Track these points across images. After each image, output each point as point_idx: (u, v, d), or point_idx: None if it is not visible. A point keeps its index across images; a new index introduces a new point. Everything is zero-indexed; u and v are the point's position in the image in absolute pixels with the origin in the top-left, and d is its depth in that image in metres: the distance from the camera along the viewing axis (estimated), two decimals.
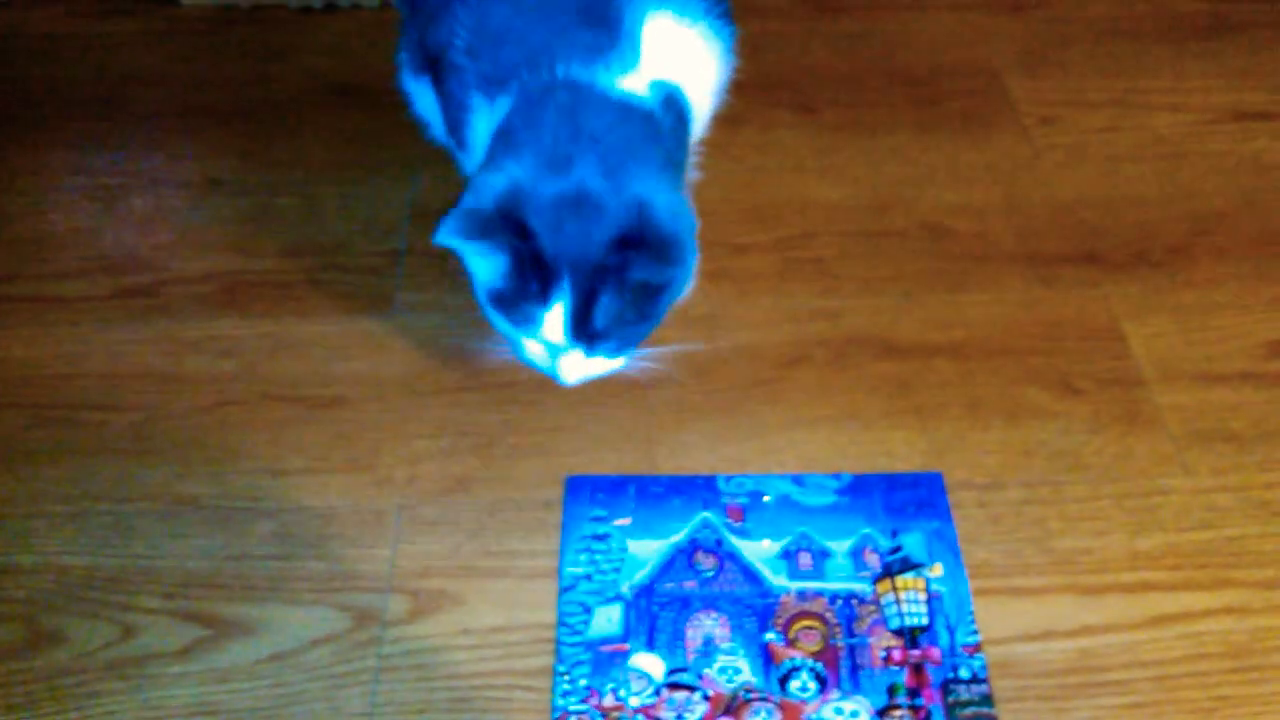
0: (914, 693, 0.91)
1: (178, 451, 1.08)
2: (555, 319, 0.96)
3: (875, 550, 1.00)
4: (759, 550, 1.00)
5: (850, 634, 0.95)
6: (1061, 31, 1.58)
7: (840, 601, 0.97)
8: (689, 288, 1.01)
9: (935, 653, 0.93)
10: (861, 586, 0.98)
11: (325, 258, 1.27)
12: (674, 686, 0.92)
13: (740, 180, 1.35)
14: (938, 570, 0.98)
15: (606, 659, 0.93)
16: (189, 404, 1.12)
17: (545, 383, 1.12)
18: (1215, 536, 1.01)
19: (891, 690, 0.91)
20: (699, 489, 1.04)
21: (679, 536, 1.01)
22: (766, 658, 0.93)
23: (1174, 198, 1.34)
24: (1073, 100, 1.47)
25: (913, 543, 1.00)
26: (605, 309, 0.95)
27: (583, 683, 0.92)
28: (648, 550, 1.00)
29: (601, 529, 1.01)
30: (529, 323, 0.97)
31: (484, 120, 1.01)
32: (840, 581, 0.98)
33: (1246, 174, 1.36)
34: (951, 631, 0.94)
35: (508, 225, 0.93)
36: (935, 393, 1.13)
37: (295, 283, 1.24)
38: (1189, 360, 1.15)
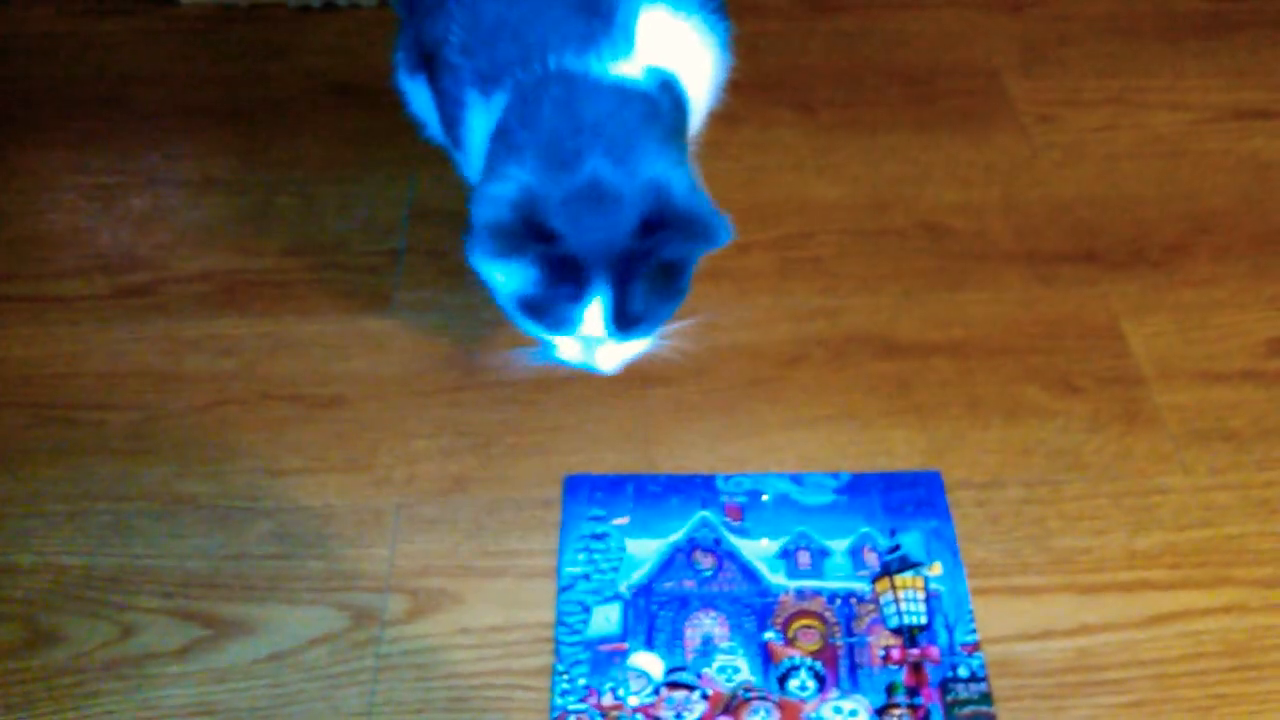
0: (913, 691, 0.91)
1: (176, 451, 1.08)
2: (594, 314, 0.95)
3: (874, 549, 1.00)
4: (758, 549, 1.00)
5: (849, 633, 0.95)
6: (1060, 30, 1.58)
7: (839, 600, 0.97)
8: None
9: (934, 652, 0.93)
10: (860, 585, 0.98)
11: (324, 257, 1.27)
12: (673, 685, 0.92)
13: (739, 179, 1.35)
14: (936, 569, 0.98)
15: (605, 658, 0.93)
16: (188, 403, 1.12)
17: (543, 382, 1.13)
18: (1214, 535, 1.01)
19: (890, 689, 0.91)
20: (697, 488, 1.04)
21: (677, 536, 1.01)
22: (765, 657, 0.93)
23: (1173, 196, 1.34)
24: (1071, 99, 1.47)
25: (911, 542, 1.00)
26: (639, 294, 0.94)
27: (581, 682, 0.92)
28: (646, 549, 1.00)
29: (600, 528, 1.01)
30: (566, 323, 0.96)
31: (480, 118, 1.01)
32: (839, 580, 0.98)
33: (1245, 172, 1.36)
34: (950, 630, 0.94)
35: (531, 232, 0.92)
36: (934, 392, 1.13)
37: (294, 282, 1.24)
38: (1188, 359, 1.15)
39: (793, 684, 0.92)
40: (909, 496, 1.03)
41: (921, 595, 0.97)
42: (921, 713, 0.90)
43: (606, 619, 0.96)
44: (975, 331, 1.18)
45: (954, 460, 1.07)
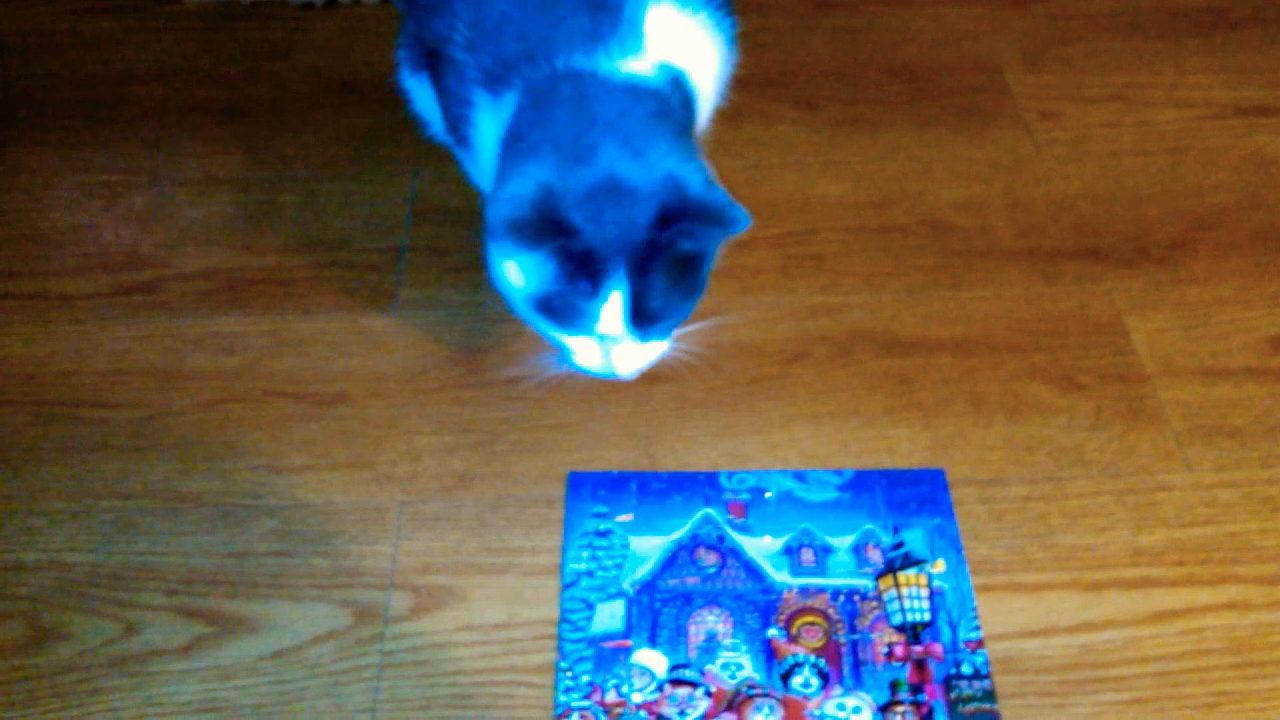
0: (916, 689, 0.91)
1: (179, 449, 1.08)
2: (611, 310, 0.94)
3: (877, 546, 1.00)
4: (761, 546, 1.00)
5: (852, 630, 0.95)
6: (1062, 27, 1.58)
7: (842, 597, 0.97)
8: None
9: (937, 649, 0.93)
10: (864, 582, 0.98)
11: (326, 254, 1.27)
12: (676, 683, 0.92)
13: (741, 177, 1.35)
14: (940, 566, 0.98)
15: (609, 655, 0.93)
16: (190, 401, 1.12)
17: (546, 380, 1.12)
18: (1217, 532, 1.01)
19: (894, 686, 0.91)
20: (701, 485, 1.04)
21: (681, 533, 1.01)
22: (769, 654, 0.93)
23: (1175, 193, 1.33)
24: (1074, 95, 1.47)
25: (915, 539, 1.00)
26: (657, 289, 0.94)
27: (585, 679, 0.92)
28: (650, 546, 1.00)
29: (603, 525, 1.01)
30: (583, 321, 0.96)
31: (489, 118, 1.01)
32: (842, 577, 0.98)
33: (1248, 169, 1.36)
34: (954, 627, 0.94)
35: (550, 227, 0.91)
36: (937, 389, 1.13)
37: (296, 280, 1.24)
38: (1191, 355, 1.15)
39: (796, 681, 0.92)
40: (912, 493, 1.03)
41: (925, 592, 0.97)
42: (925, 710, 0.90)
43: (610, 616, 0.96)
44: (978, 328, 1.18)
45: (957, 457, 1.07)
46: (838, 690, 0.91)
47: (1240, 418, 1.10)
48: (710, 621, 0.95)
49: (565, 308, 0.95)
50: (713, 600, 0.97)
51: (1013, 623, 0.95)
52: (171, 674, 0.93)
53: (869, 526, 1.01)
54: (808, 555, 1.00)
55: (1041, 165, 1.37)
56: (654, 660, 0.93)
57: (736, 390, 1.13)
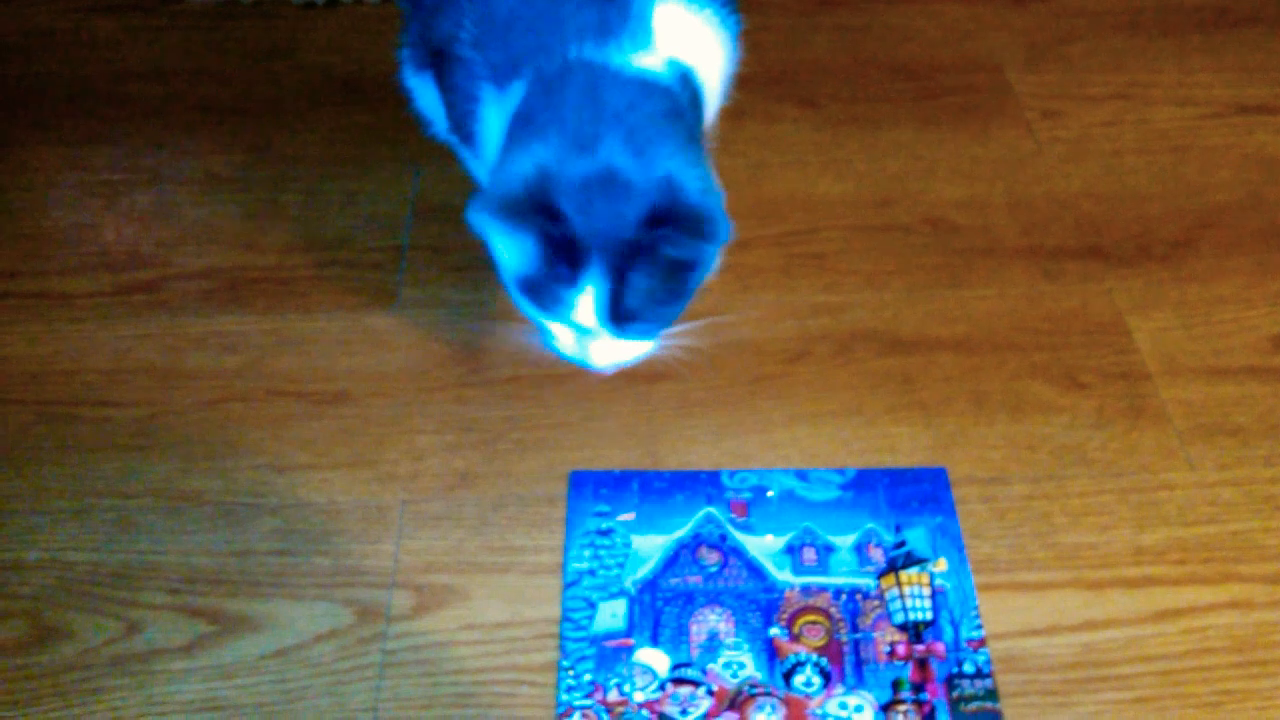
0: (918, 687, 0.91)
1: (181, 447, 1.08)
2: (586, 302, 0.94)
3: (879, 545, 1.00)
4: (763, 545, 1.00)
5: (854, 629, 0.95)
6: (1064, 25, 1.58)
7: (844, 596, 0.97)
8: (716, 265, 0.99)
9: (940, 647, 0.93)
10: (866, 581, 0.98)
11: (328, 253, 1.27)
12: (678, 681, 0.92)
13: (742, 175, 1.35)
14: (942, 565, 0.98)
15: (611, 654, 0.93)
16: (192, 400, 1.12)
17: (549, 378, 1.13)
18: (1219, 531, 1.01)
19: (896, 685, 0.91)
20: (703, 484, 1.04)
21: (683, 532, 1.01)
22: (771, 653, 0.93)
23: (1177, 192, 1.33)
24: (1075, 94, 1.47)
25: (917, 537, 1.00)
26: (636, 289, 0.93)
27: (587, 678, 0.92)
28: (652, 545, 1.00)
29: (605, 524, 1.01)
30: (559, 307, 0.95)
31: (494, 110, 1.00)
32: (844, 576, 0.98)
33: (1250, 168, 1.36)
34: (956, 626, 0.94)
35: (537, 208, 0.91)
36: (939, 387, 1.13)
37: (298, 278, 1.24)
38: (1193, 354, 1.15)
39: (798, 680, 0.92)
40: (914, 492, 1.03)
41: (927, 591, 0.97)
42: (927, 708, 0.90)
43: (612, 615, 0.96)
44: (980, 327, 1.18)
45: (959, 456, 1.07)
46: (840, 689, 0.91)
47: (1242, 416, 1.10)
48: (712, 620, 0.95)
49: (544, 292, 0.95)
50: (715, 599, 0.97)
51: (1015, 621, 0.95)
52: (173, 673, 0.93)
53: (871, 525, 1.01)
54: (810, 554, 0.99)
55: (1043, 164, 1.37)
56: (656, 659, 0.93)
57: (738, 389, 1.13)
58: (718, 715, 0.90)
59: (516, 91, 0.98)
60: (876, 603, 0.96)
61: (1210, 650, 0.94)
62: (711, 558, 0.99)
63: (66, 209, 1.32)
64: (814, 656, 0.93)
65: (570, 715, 0.90)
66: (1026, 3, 1.61)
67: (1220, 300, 1.21)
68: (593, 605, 0.96)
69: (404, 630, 0.95)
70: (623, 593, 0.97)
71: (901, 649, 0.93)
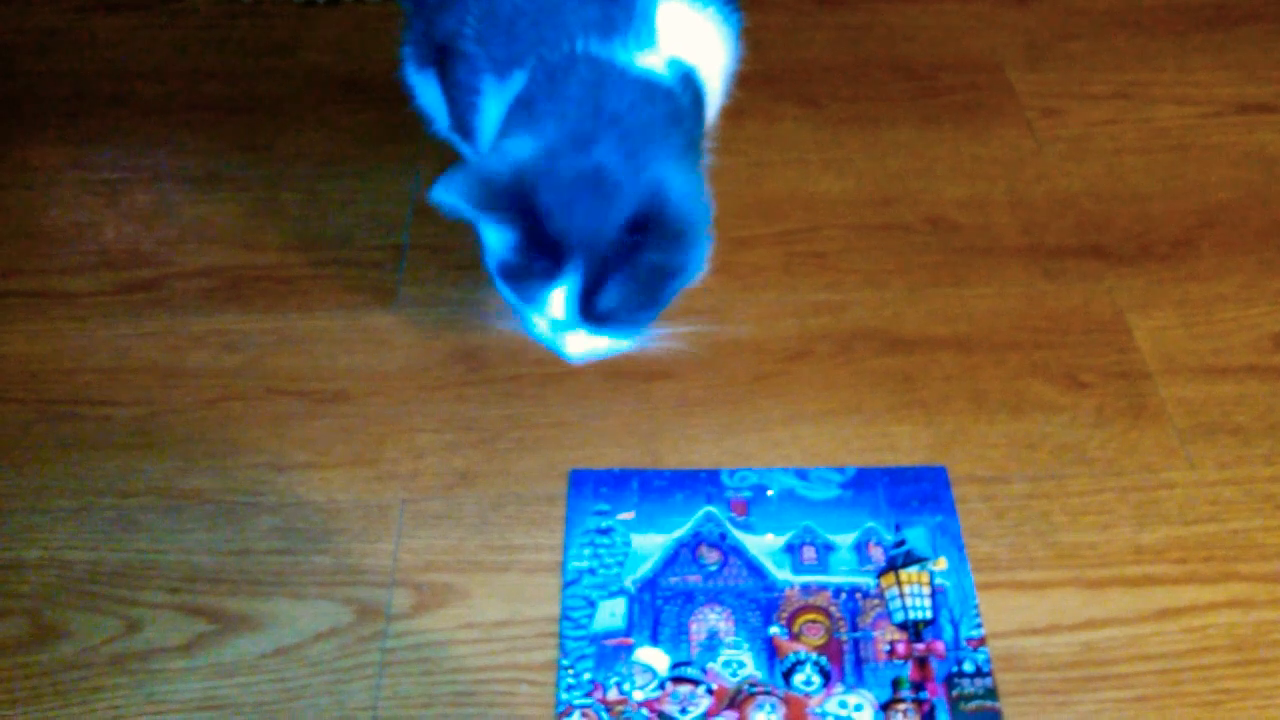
0: (918, 686, 0.91)
1: (181, 446, 1.08)
2: (561, 298, 0.95)
3: (879, 544, 1.00)
4: (763, 544, 1.00)
5: (854, 628, 0.95)
6: (1065, 24, 1.58)
7: (844, 595, 0.97)
8: (700, 274, 1.00)
9: (939, 646, 0.93)
10: (865, 580, 0.98)
11: (328, 252, 1.27)
12: (678, 680, 0.92)
13: (743, 174, 1.35)
14: (942, 564, 0.98)
15: (610, 653, 0.93)
16: (192, 398, 1.12)
17: (549, 377, 1.13)
18: (1219, 530, 1.01)
19: (896, 684, 0.91)
20: (702, 483, 1.04)
21: (683, 530, 1.01)
22: (770, 651, 0.93)
23: (1178, 190, 1.33)
24: (1076, 93, 1.47)
25: (917, 536, 1.00)
26: (612, 291, 0.94)
27: (587, 676, 0.92)
28: (651, 544, 1.00)
29: (605, 523, 1.01)
30: (534, 298, 0.96)
31: (494, 100, 1.00)
32: (844, 575, 0.98)
33: (1251, 166, 1.36)
34: (955, 625, 0.94)
35: (519, 201, 0.91)
36: (939, 386, 1.13)
37: (298, 277, 1.24)
38: (1194, 353, 1.15)
39: (798, 679, 0.92)
40: (914, 491, 1.03)
41: (927, 590, 0.97)
42: (927, 707, 0.90)
43: (611, 614, 0.96)
44: (980, 326, 1.18)
45: (959, 455, 1.07)
46: (839, 688, 0.91)
47: (1243, 415, 1.10)
48: (712, 619, 0.95)
49: (521, 281, 0.95)
50: (714, 598, 0.97)
51: (1015, 620, 0.95)
52: (173, 671, 0.93)
53: (871, 524, 1.01)
54: (809, 553, 0.99)
55: (1044, 162, 1.37)
56: (655, 658, 0.93)
57: (738, 388, 1.13)
58: (717, 714, 0.90)
59: (517, 80, 0.98)
60: (876, 601, 0.96)
61: (1210, 649, 0.94)
62: (711, 556, 0.99)
63: (67, 208, 1.32)
64: (814, 655, 0.93)
65: (570, 714, 0.90)
66: (1027, 1, 1.61)
67: (1221, 299, 1.21)
68: (592, 604, 0.96)
69: (404, 629, 0.95)
70: (622, 591, 0.97)
71: (901, 648, 0.93)
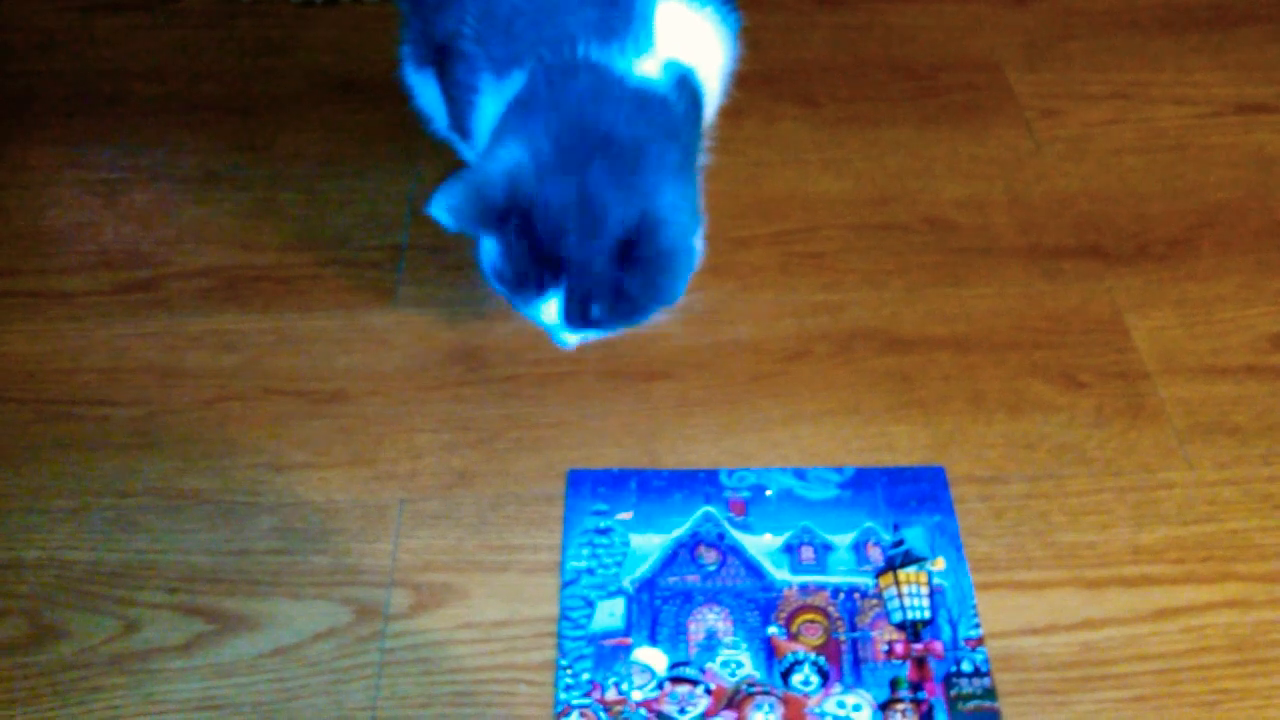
0: (916, 686, 0.91)
1: (179, 446, 1.08)
2: (551, 307, 0.96)
3: (877, 544, 1.00)
4: (761, 544, 1.00)
5: (852, 628, 0.95)
6: (1063, 24, 1.58)
7: (842, 595, 0.97)
8: (680, 297, 1.00)
9: (938, 646, 0.93)
10: (864, 580, 0.98)
11: (326, 252, 1.27)
12: (676, 680, 0.92)
13: (742, 174, 1.35)
14: (940, 564, 0.98)
15: (609, 653, 0.93)
16: (190, 399, 1.12)
17: (547, 377, 1.13)
18: (1218, 530, 1.01)
19: (894, 684, 0.91)
20: (701, 483, 1.04)
21: (681, 530, 1.01)
22: (769, 651, 0.93)
23: (1176, 191, 1.33)
24: (1074, 93, 1.47)
25: (915, 536, 1.00)
26: (602, 304, 0.95)
27: (585, 676, 0.92)
28: (650, 544, 1.00)
29: (604, 523, 1.01)
30: (527, 305, 0.98)
31: (492, 99, 1.00)
32: (842, 575, 0.98)
33: (1249, 167, 1.36)
34: (954, 625, 0.94)
35: (510, 220, 0.92)
36: (938, 386, 1.13)
37: (296, 277, 1.24)
38: (1192, 353, 1.15)
39: (796, 679, 0.92)
40: (912, 491, 1.03)
41: (925, 590, 0.97)
42: (925, 707, 0.90)
43: (610, 614, 0.96)
44: (979, 326, 1.18)
45: (957, 455, 1.07)
46: (838, 688, 0.91)
47: (1241, 415, 1.10)
48: (710, 619, 0.95)
49: (512, 287, 0.97)
50: (713, 598, 0.97)
51: (1013, 620, 0.95)
52: (171, 671, 0.93)
53: (869, 524, 1.01)
54: (808, 553, 0.99)
55: (1042, 163, 1.37)
56: (654, 658, 0.93)
57: (737, 388, 1.13)
58: (716, 714, 0.90)
59: (516, 80, 0.98)
60: (875, 601, 0.96)
61: (1208, 649, 0.94)
62: (710, 556, 0.99)
63: (65, 208, 1.32)
64: (812, 655, 0.93)
65: (568, 714, 0.90)
66: (1026, 2, 1.61)
67: (1219, 299, 1.21)
68: (591, 604, 0.96)
69: (402, 629, 0.95)
70: (621, 591, 0.97)
71: (899, 648, 0.93)
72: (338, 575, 0.99)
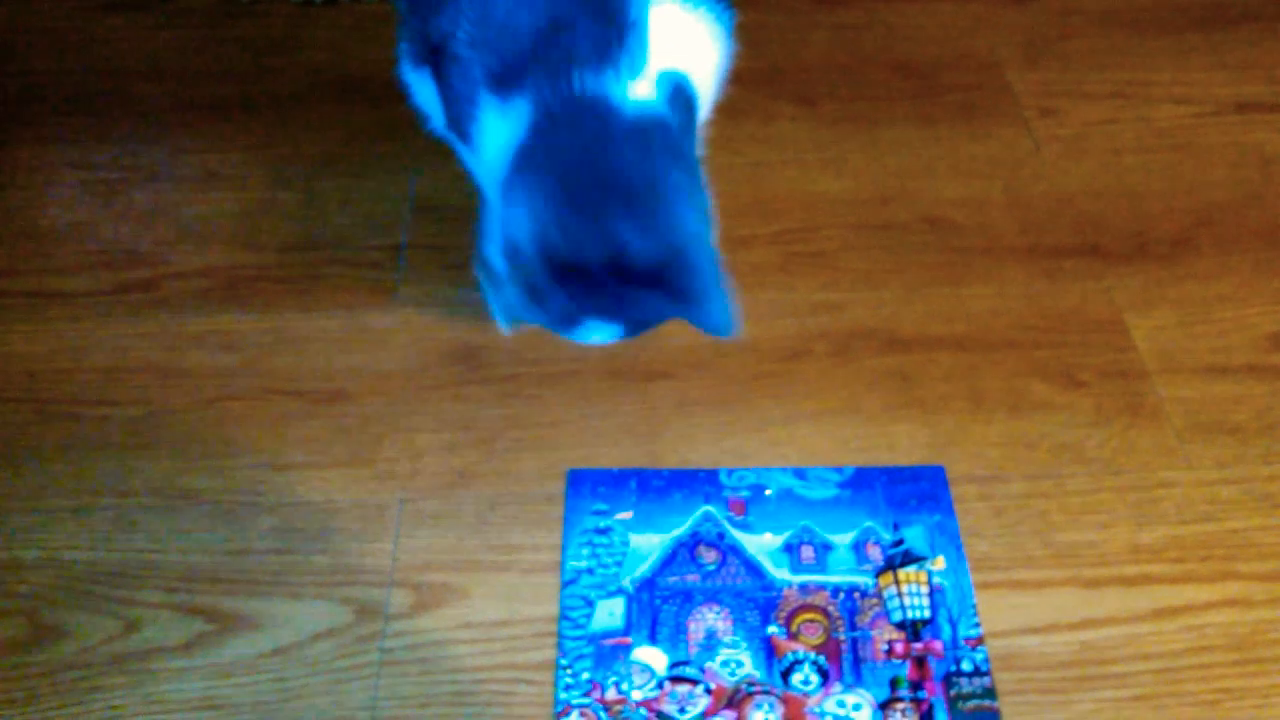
0: (916, 685, 0.91)
1: (179, 446, 1.08)
2: (592, 331, 0.97)
3: (877, 543, 1.00)
4: (761, 544, 1.00)
5: (852, 627, 0.95)
6: (1062, 23, 1.58)
7: (842, 595, 0.97)
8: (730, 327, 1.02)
9: (937, 646, 0.93)
10: (864, 580, 0.98)
11: (326, 252, 1.27)
12: (676, 680, 0.92)
13: (741, 174, 1.35)
14: (940, 563, 0.98)
15: (609, 652, 0.93)
16: (190, 398, 1.12)
17: (547, 377, 1.13)
18: (1217, 529, 1.01)
19: (894, 683, 0.91)
20: (701, 482, 1.04)
21: (681, 530, 1.01)
22: (769, 651, 0.93)
23: (1176, 190, 1.33)
24: (1074, 92, 1.47)
25: (915, 536, 1.00)
26: (631, 326, 0.97)
27: (585, 676, 0.92)
28: (650, 544, 1.00)
29: (603, 523, 1.01)
30: (557, 329, 0.98)
31: (496, 121, 1.00)
32: (842, 575, 0.98)
33: (1248, 166, 1.36)
34: (954, 624, 0.94)
35: (544, 283, 0.92)
36: (937, 386, 1.13)
37: (296, 277, 1.24)
38: (1191, 352, 1.15)
39: (796, 678, 0.92)
40: (912, 491, 1.03)
41: (925, 589, 0.97)
42: (925, 707, 0.90)
43: (610, 613, 0.96)
44: (978, 325, 1.18)
45: (957, 454, 1.07)
46: (838, 687, 0.91)
47: (1240, 414, 1.10)
48: (710, 619, 0.95)
49: (549, 323, 0.97)
50: (713, 597, 0.97)
51: (1013, 620, 0.95)
52: (171, 671, 0.93)
53: (869, 524, 1.01)
54: (808, 552, 1.00)
55: (1041, 162, 1.37)
56: (654, 657, 0.93)
57: (737, 387, 1.13)
58: (716, 713, 0.90)
59: (519, 113, 0.97)
60: (874, 601, 0.96)
61: (1208, 648, 0.94)
62: (710, 556, 0.99)
63: (64, 207, 1.32)
64: (812, 655, 0.93)
65: (568, 714, 0.90)
66: (1025, 1, 1.61)
67: (1218, 298, 1.21)
68: (591, 604, 0.96)
69: (402, 629, 0.95)
70: (621, 591, 0.97)
71: (899, 647, 0.93)
72: (338, 575, 0.99)
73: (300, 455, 1.07)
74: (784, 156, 1.38)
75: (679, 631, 0.95)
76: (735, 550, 1.00)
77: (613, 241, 0.92)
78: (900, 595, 0.97)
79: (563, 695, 0.91)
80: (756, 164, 1.37)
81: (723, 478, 1.05)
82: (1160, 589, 0.97)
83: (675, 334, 1.09)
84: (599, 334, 0.96)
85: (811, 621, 0.95)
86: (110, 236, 1.29)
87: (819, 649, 0.93)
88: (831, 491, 1.04)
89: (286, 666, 0.93)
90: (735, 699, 0.91)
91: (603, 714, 0.90)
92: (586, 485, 1.04)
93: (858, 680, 0.92)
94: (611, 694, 0.91)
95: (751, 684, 0.91)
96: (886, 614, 0.95)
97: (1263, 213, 1.30)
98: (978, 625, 0.94)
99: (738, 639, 0.94)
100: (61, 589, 0.98)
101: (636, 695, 0.91)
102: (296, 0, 1.61)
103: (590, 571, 0.98)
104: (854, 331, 1.18)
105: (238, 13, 1.60)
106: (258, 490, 1.05)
